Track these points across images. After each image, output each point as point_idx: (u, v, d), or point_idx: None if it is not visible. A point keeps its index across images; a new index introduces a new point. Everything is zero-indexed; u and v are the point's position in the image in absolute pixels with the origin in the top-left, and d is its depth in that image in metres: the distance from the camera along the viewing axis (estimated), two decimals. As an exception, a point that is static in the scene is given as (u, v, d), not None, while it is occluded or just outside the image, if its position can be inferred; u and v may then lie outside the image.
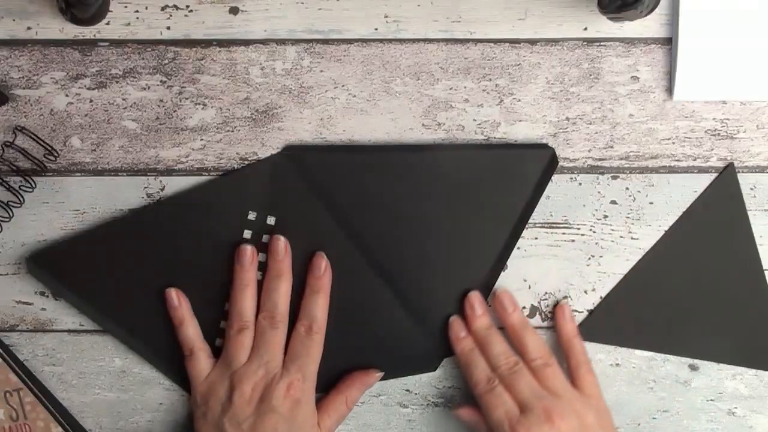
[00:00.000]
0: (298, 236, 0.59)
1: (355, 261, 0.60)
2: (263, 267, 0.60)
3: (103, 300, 0.60)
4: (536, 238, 0.63)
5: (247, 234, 0.60)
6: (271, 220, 0.59)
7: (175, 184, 0.62)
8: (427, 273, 0.60)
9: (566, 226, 0.63)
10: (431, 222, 0.60)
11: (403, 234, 0.60)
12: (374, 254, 0.60)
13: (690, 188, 0.63)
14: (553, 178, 0.62)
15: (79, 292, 0.60)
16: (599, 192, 0.63)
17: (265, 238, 0.60)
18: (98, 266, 0.59)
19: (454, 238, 0.60)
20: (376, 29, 0.62)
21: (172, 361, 0.60)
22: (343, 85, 0.62)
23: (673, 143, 0.62)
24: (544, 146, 0.60)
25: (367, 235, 0.59)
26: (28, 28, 0.61)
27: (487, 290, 0.61)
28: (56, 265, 0.59)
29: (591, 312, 0.63)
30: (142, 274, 0.60)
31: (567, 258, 0.63)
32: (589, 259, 0.63)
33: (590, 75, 0.62)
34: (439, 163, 0.59)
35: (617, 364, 0.63)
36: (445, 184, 0.59)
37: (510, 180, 0.59)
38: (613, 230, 0.63)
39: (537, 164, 0.59)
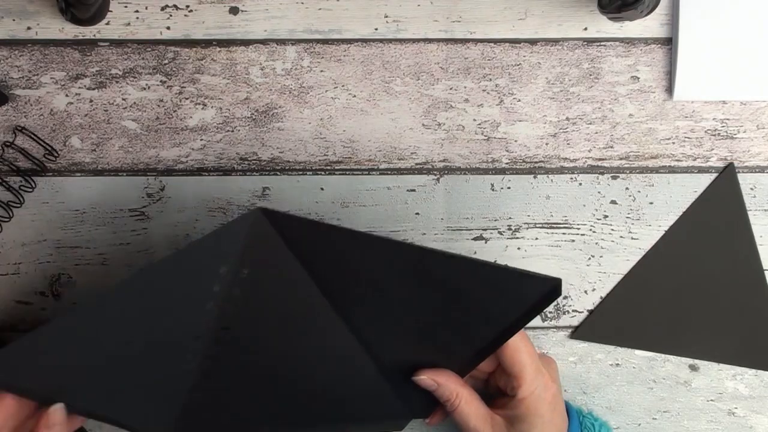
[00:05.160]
0: (272, 289, 0.54)
1: (331, 319, 0.55)
2: (226, 321, 0.54)
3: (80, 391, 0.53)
4: (536, 238, 0.63)
5: (216, 288, 0.53)
6: (243, 273, 0.53)
7: (175, 184, 0.62)
8: (403, 345, 0.56)
9: (566, 226, 0.63)
10: (413, 307, 0.55)
11: (383, 308, 0.55)
12: (351, 317, 0.55)
13: (690, 188, 0.63)
14: (553, 178, 0.62)
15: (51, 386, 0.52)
16: (599, 192, 0.63)
17: (235, 290, 0.53)
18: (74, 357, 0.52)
19: (434, 326, 0.55)
20: (376, 29, 0.62)
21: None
22: (343, 85, 0.62)
23: (673, 143, 0.62)
24: (552, 278, 0.53)
25: (345, 299, 0.55)
26: (28, 28, 0.61)
27: (462, 374, 0.57)
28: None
29: (591, 312, 0.63)
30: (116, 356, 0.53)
31: (567, 258, 0.63)
32: (589, 259, 0.63)
33: (590, 75, 0.62)
34: (432, 266, 0.53)
35: (617, 364, 0.63)
36: (435, 284, 0.53)
37: (506, 297, 0.54)
38: (613, 230, 0.63)
39: (537, 289, 0.53)
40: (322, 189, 0.62)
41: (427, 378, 0.56)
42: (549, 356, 0.60)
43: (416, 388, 0.57)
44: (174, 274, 0.52)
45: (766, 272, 0.62)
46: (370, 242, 0.52)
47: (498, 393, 0.58)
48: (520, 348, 0.55)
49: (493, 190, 0.63)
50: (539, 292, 0.53)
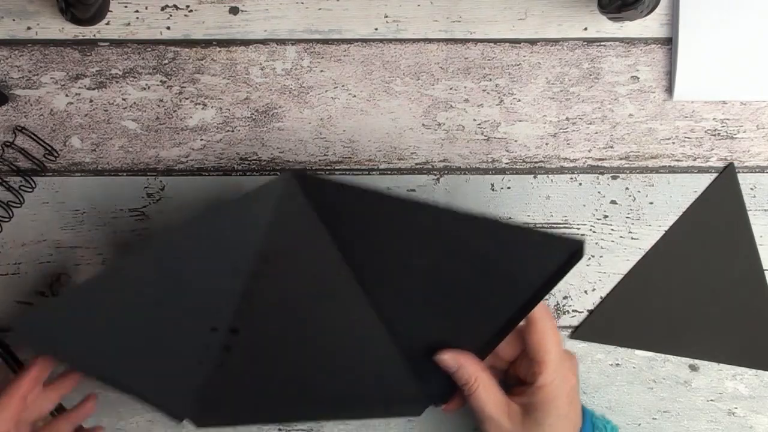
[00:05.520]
0: (297, 258, 0.55)
1: (354, 292, 0.55)
2: (251, 289, 0.55)
3: (100, 353, 0.55)
4: (536, 238, 0.63)
5: (246, 252, 0.54)
6: (272, 238, 0.54)
7: (175, 184, 0.62)
8: (425, 322, 0.56)
9: (566, 226, 0.63)
10: (438, 277, 0.55)
11: (406, 280, 0.55)
12: (374, 290, 0.56)
13: (690, 188, 0.63)
14: (553, 178, 0.62)
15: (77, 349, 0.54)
16: (599, 192, 0.63)
17: (263, 257, 0.54)
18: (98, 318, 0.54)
19: (457, 299, 0.55)
20: (376, 29, 0.62)
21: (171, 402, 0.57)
22: (343, 85, 0.62)
23: (673, 143, 0.62)
24: (575, 239, 0.52)
25: (369, 270, 0.55)
26: (28, 28, 0.61)
27: (482, 355, 0.57)
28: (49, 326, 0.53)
29: (591, 312, 0.63)
30: (137, 317, 0.54)
31: (567, 258, 0.63)
32: (589, 259, 0.63)
33: (590, 75, 0.62)
34: (457, 228, 0.53)
35: (617, 364, 0.63)
36: (460, 249, 0.54)
37: (529, 262, 0.53)
38: (613, 230, 0.63)
39: (561, 253, 0.53)
40: (322, 189, 0.62)
41: (449, 357, 0.56)
42: (570, 352, 0.59)
43: (435, 370, 0.56)
44: (203, 235, 0.52)
45: (766, 272, 0.62)
46: (395, 202, 0.53)
47: (517, 383, 0.58)
48: (547, 333, 0.55)
49: (493, 190, 0.63)
50: (561, 256, 0.53)
